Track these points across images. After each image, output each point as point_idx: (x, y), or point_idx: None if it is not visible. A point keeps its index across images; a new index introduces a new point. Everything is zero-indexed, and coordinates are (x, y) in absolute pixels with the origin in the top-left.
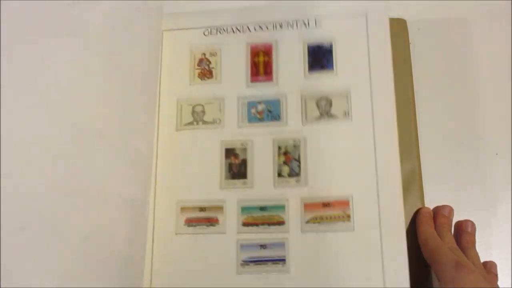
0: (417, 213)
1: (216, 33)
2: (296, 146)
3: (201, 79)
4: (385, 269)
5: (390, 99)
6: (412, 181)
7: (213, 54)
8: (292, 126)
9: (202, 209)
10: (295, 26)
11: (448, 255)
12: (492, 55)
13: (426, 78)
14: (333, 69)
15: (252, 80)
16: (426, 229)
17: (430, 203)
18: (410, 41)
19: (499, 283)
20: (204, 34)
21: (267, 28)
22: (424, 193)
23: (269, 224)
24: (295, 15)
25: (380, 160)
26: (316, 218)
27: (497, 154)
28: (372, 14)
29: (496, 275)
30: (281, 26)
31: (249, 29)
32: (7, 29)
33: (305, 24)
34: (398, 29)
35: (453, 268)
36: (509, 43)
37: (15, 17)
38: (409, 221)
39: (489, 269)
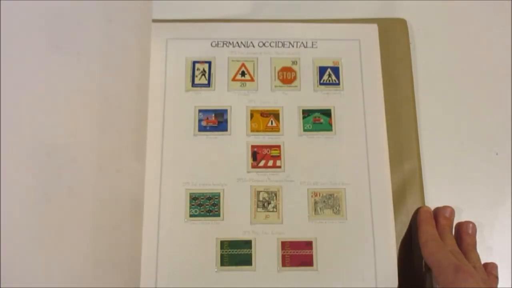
0: (417, 212)
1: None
2: None
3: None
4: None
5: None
6: (412, 181)
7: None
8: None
9: None
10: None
11: (448, 258)
12: (492, 55)
13: (426, 78)
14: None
15: None
16: (427, 229)
17: (430, 203)
18: (410, 41)
19: (500, 283)
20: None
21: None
22: (424, 193)
23: None
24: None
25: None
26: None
27: (497, 154)
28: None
29: (497, 276)
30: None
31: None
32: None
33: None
34: (398, 29)
35: (453, 272)
36: (509, 43)
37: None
38: (409, 221)
39: (490, 270)
